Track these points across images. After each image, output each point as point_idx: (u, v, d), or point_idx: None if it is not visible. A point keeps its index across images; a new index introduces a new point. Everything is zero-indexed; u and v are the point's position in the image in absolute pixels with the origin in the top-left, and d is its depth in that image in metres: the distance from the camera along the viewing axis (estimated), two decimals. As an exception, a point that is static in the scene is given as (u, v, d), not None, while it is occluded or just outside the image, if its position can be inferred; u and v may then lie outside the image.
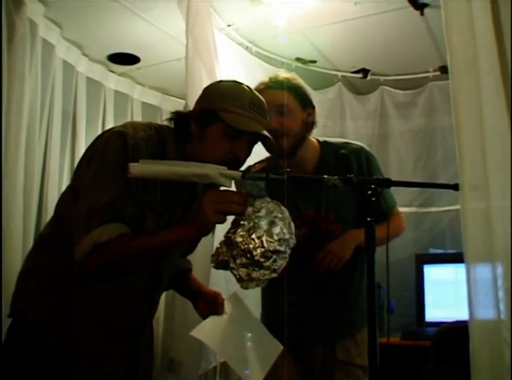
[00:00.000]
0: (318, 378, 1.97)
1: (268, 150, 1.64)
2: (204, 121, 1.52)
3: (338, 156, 1.97)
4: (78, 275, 1.45)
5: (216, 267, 1.48)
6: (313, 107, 1.99)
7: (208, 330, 1.57)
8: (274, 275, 1.42)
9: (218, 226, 1.51)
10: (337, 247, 1.88)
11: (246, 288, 1.42)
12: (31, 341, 1.48)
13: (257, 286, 1.42)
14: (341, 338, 1.95)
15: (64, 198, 1.61)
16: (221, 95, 1.53)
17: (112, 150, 1.45)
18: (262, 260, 1.39)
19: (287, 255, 1.45)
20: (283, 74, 1.98)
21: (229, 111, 1.48)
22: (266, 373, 1.63)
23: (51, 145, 3.00)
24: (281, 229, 1.45)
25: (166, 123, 1.62)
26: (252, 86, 1.64)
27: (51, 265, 1.53)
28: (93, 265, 1.40)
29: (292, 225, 1.49)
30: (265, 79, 1.94)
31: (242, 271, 1.39)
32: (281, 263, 1.43)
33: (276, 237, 1.42)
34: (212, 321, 1.61)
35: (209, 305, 1.69)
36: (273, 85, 1.90)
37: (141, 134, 1.50)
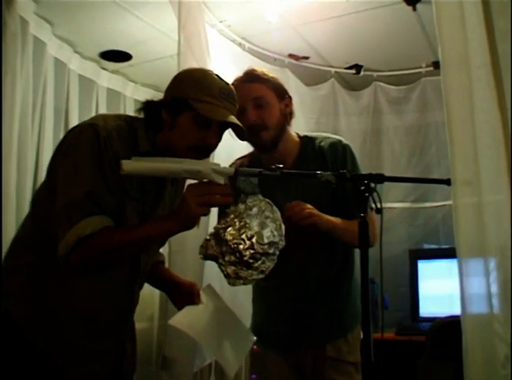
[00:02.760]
0: (308, 376, 1.94)
1: (239, 137, 1.64)
2: (174, 110, 1.54)
3: (316, 150, 1.95)
4: (61, 271, 1.45)
5: (204, 259, 1.48)
6: (290, 97, 1.98)
7: (185, 319, 1.59)
8: (261, 275, 1.43)
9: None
10: (314, 209, 1.78)
11: (233, 285, 1.43)
12: (18, 341, 1.47)
13: (244, 284, 1.44)
14: (332, 339, 1.93)
15: (39, 195, 1.60)
16: (192, 84, 1.54)
17: (85, 143, 1.45)
18: (251, 261, 1.39)
19: (275, 257, 1.46)
20: (258, 68, 1.97)
21: (200, 100, 1.50)
22: (242, 362, 1.64)
23: (43, 143, 2.99)
24: (272, 231, 1.45)
25: (136, 114, 1.63)
26: None
27: (33, 265, 1.53)
28: (77, 259, 1.40)
29: (283, 227, 1.49)
30: (240, 74, 1.93)
31: (230, 269, 1.40)
32: (269, 264, 1.44)
33: (266, 241, 1.42)
34: (188, 311, 1.62)
35: (185, 295, 1.70)
36: (248, 79, 1.89)
37: (112, 124, 1.51)
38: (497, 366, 1.27)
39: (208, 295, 1.72)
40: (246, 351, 1.70)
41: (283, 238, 1.48)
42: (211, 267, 1.89)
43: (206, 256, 1.44)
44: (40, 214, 1.56)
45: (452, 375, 2.34)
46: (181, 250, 1.86)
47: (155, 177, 1.47)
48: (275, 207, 1.48)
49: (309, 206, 1.77)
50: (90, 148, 1.44)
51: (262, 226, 1.43)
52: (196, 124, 1.51)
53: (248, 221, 1.41)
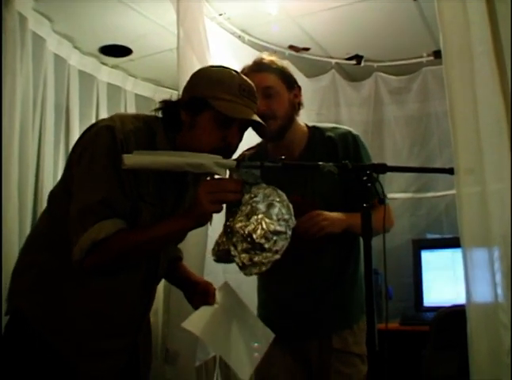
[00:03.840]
0: (314, 368, 1.94)
1: (260, 134, 1.63)
2: (194, 109, 1.51)
3: (325, 140, 1.94)
4: (75, 271, 1.44)
5: (218, 260, 1.47)
6: (299, 87, 1.97)
7: (199, 321, 1.55)
8: (277, 256, 1.41)
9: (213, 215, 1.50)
10: (329, 215, 1.79)
11: (250, 274, 1.40)
12: (29, 338, 1.47)
13: (261, 270, 1.40)
14: (338, 330, 1.92)
15: (56, 195, 1.58)
16: (210, 82, 1.51)
17: (102, 146, 1.43)
18: (263, 241, 1.38)
19: (288, 235, 1.44)
20: (267, 56, 1.95)
21: (219, 98, 1.47)
22: (259, 362, 1.62)
23: (44, 139, 2.98)
24: (280, 209, 1.44)
25: (154, 113, 1.59)
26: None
27: (47, 262, 1.51)
28: (92, 263, 1.39)
29: (291, 206, 1.47)
30: (250, 63, 1.92)
31: (245, 258, 1.38)
32: (283, 243, 1.42)
33: (275, 218, 1.41)
34: (203, 312, 1.59)
35: (200, 295, 1.67)
36: (257, 69, 1.88)
37: (129, 126, 1.48)
38: (502, 354, 1.27)
39: (225, 294, 1.68)
40: (264, 349, 1.65)
41: (293, 217, 1.46)
42: (212, 261, 1.88)
43: (218, 255, 1.43)
44: (56, 213, 1.54)
45: (457, 364, 2.34)
46: (183, 244, 1.84)
47: (158, 171, 1.46)
48: (280, 191, 1.47)
49: (320, 217, 1.76)
50: (106, 151, 1.42)
51: (269, 207, 1.42)
52: (216, 123, 1.48)
53: (255, 205, 1.40)
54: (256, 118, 1.52)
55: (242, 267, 1.40)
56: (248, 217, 1.40)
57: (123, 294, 1.56)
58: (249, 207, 1.40)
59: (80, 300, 1.50)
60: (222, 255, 1.43)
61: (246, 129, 1.57)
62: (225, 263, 1.48)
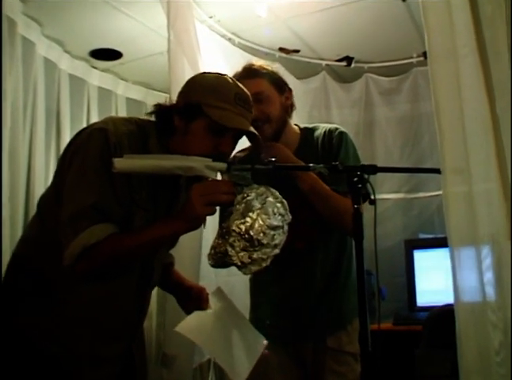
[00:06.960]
0: (309, 367, 1.95)
1: (253, 143, 1.63)
2: (188, 116, 1.49)
3: (315, 140, 1.96)
4: (68, 276, 1.42)
5: (214, 265, 1.45)
6: (290, 90, 1.99)
7: (192, 325, 1.53)
8: (276, 251, 1.40)
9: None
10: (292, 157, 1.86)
11: (250, 272, 1.39)
12: (22, 346, 1.45)
13: (260, 267, 1.39)
14: (332, 332, 1.93)
15: (46, 199, 1.56)
16: (206, 89, 1.50)
17: (94, 148, 1.41)
18: (261, 236, 1.38)
19: (285, 230, 1.44)
20: (256, 62, 1.97)
21: (214, 106, 1.45)
22: (253, 367, 1.62)
23: (35, 144, 2.98)
24: (274, 204, 1.44)
25: (147, 116, 1.58)
26: None
27: (39, 268, 1.49)
28: (84, 268, 1.38)
29: (285, 202, 1.48)
30: (239, 70, 1.94)
31: (243, 256, 1.37)
32: (281, 238, 1.42)
33: (271, 212, 1.41)
34: (196, 317, 1.57)
35: (193, 300, 1.65)
36: (247, 75, 1.89)
37: (122, 129, 1.46)
38: (491, 353, 1.28)
39: (218, 299, 1.67)
40: (257, 355, 1.65)
41: (288, 213, 1.46)
42: (207, 264, 1.88)
43: (216, 260, 1.41)
44: (47, 218, 1.51)
45: (450, 363, 2.35)
46: (178, 247, 1.84)
47: (149, 175, 1.44)
48: (272, 189, 1.47)
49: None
50: (99, 154, 1.40)
51: (264, 203, 1.42)
52: (210, 131, 1.46)
53: (249, 203, 1.40)
54: (250, 128, 1.51)
55: (242, 267, 1.38)
56: (243, 215, 1.39)
57: (117, 299, 1.54)
58: (243, 205, 1.40)
59: (74, 305, 1.48)
60: (219, 259, 1.42)
61: (239, 138, 1.56)
62: (222, 268, 1.47)
